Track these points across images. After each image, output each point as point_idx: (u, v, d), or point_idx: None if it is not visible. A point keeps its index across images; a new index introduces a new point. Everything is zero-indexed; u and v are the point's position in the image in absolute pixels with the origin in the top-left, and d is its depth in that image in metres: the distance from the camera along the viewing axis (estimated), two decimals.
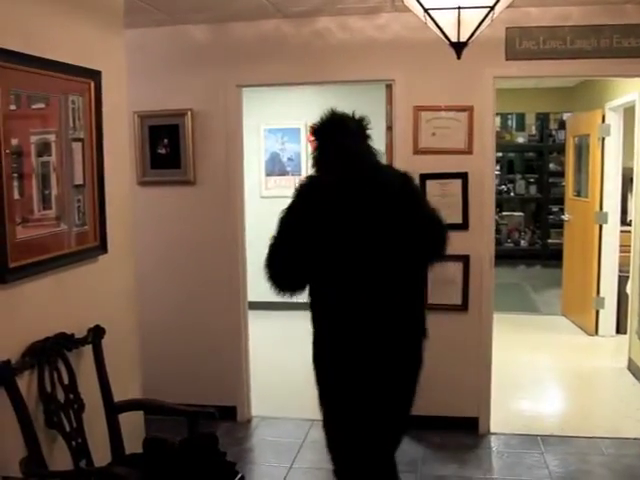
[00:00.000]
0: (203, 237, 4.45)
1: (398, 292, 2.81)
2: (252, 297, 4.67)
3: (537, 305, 7.92)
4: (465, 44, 2.80)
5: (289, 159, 7.67)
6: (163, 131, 4.38)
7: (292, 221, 2.76)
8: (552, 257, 9.58)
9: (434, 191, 4.10)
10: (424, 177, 4.10)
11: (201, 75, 4.32)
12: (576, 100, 7.81)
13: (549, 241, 10.28)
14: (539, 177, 10.55)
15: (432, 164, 4.11)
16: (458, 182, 4.09)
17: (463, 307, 4.18)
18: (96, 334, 2.73)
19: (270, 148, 7.77)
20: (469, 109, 4.04)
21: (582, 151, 7.02)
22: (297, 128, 7.53)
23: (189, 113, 4.32)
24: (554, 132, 10.40)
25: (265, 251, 2.75)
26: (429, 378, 4.34)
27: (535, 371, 5.52)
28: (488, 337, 4.20)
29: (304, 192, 2.82)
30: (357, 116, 2.96)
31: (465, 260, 4.13)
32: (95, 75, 2.77)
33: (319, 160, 2.91)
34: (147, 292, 4.49)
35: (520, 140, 10.41)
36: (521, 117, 10.49)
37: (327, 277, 2.74)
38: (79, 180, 2.69)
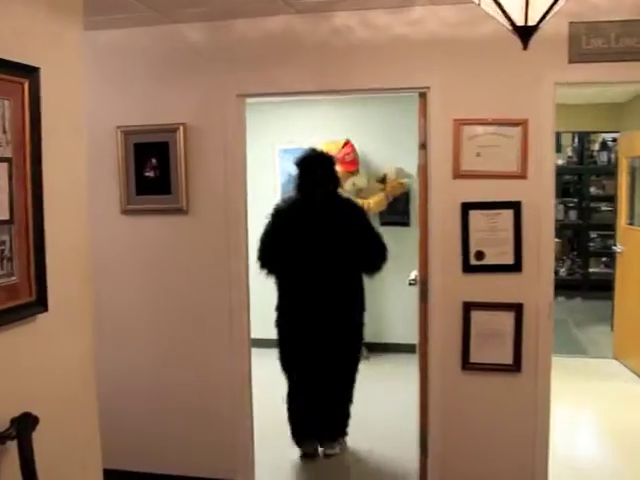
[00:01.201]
0: (198, 276, 3.71)
1: (337, 283, 4.02)
2: (256, 334, 3.98)
3: (583, 345, 7.05)
4: (535, 29, 2.04)
5: None
6: (151, 150, 3.67)
7: (270, 227, 4.10)
8: (594, 288, 8.99)
9: (479, 225, 3.33)
10: (466, 207, 3.34)
11: (196, 83, 3.61)
12: (627, 117, 6.98)
13: (590, 270, 9.58)
14: (578, 202, 9.77)
15: (476, 191, 3.35)
16: (509, 213, 3.32)
17: (515, 367, 3.38)
18: (23, 425, 1.97)
19: (286, 169, 7.08)
20: (523, 123, 3.27)
21: (637, 174, 6.21)
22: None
23: (181, 128, 3.60)
24: (595, 153, 9.65)
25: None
26: (472, 452, 3.59)
27: (587, 430, 4.69)
28: (545, 405, 3.39)
29: (280, 207, 4.22)
30: (328, 155, 4.24)
31: (517, 309, 3.34)
32: (30, 73, 2.04)
33: (297, 185, 4.14)
34: (130, 339, 3.81)
35: (558, 162, 9.61)
36: (556, 137, 9.69)
37: (289, 269, 4.07)
38: (3, 214, 1.96)
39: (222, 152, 3.62)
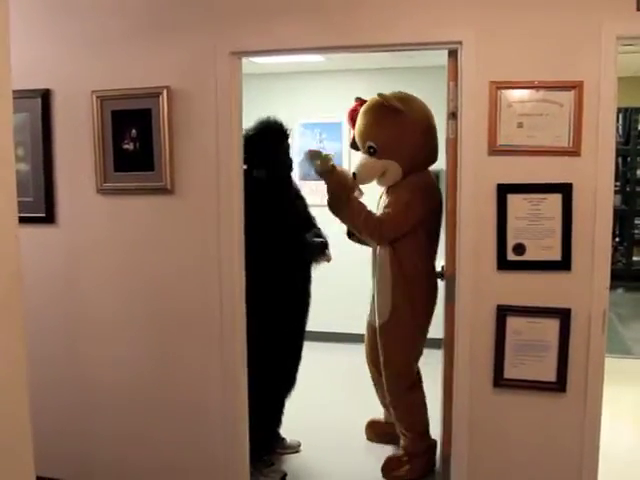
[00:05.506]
0: (184, 266, 3.18)
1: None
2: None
3: (628, 344, 6.38)
4: None
5: None
6: (130, 118, 3.12)
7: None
8: (637, 279, 8.48)
9: (520, 211, 2.74)
10: (504, 190, 2.75)
11: (182, 39, 3.05)
12: None
13: (634, 259, 8.93)
14: (623, 185, 9.09)
15: (517, 170, 2.77)
16: (556, 198, 2.72)
17: (559, 386, 2.80)
18: None
19: (306, 146, 6.55)
20: (577, 87, 2.65)
21: None
22: (338, 123, 6.30)
23: (164, 92, 3.04)
24: None
25: None
26: None
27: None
28: (594, 434, 2.81)
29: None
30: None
31: (564, 316, 2.75)
32: None
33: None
34: (110, 335, 3.32)
35: None
36: None
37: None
38: None
39: (214, 121, 3.05)
